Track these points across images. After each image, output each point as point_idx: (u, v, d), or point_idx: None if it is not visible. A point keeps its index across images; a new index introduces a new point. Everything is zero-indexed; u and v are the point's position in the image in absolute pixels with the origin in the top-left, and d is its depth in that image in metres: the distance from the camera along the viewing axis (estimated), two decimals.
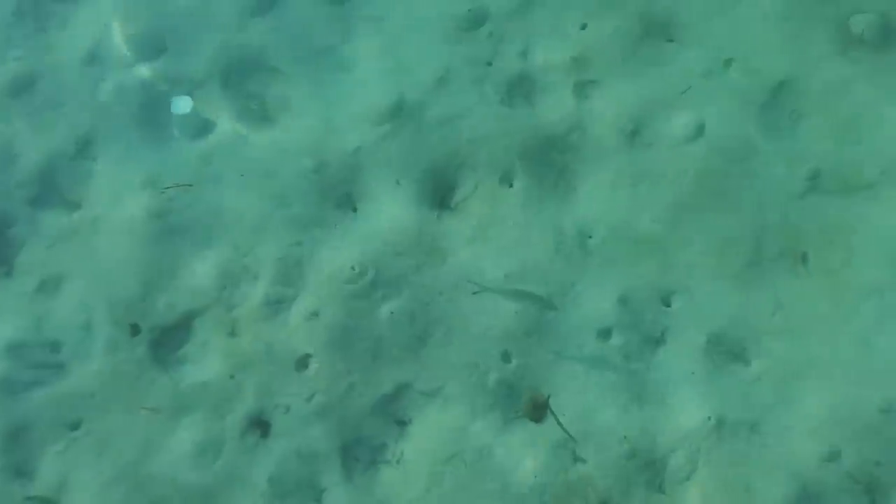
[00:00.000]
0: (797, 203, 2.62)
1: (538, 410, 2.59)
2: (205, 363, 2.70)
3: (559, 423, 2.56)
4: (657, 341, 2.60)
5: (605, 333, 2.62)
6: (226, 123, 2.91)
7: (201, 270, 2.78)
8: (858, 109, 2.64)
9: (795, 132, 2.66)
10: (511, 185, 2.74)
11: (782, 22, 2.72)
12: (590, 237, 2.68)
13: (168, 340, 2.74)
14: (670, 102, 2.74)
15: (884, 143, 2.61)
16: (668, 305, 2.61)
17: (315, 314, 2.70)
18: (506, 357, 2.63)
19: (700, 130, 2.71)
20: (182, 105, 2.89)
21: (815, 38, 2.70)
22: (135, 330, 2.74)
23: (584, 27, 2.79)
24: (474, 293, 2.60)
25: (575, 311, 2.64)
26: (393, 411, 2.63)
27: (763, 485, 2.47)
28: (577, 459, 2.55)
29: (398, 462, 2.59)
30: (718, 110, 2.71)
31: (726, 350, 2.56)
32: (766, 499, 2.46)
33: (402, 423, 2.62)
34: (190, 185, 2.81)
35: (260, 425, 2.66)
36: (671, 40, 2.76)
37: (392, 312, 2.67)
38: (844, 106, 2.65)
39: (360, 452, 2.61)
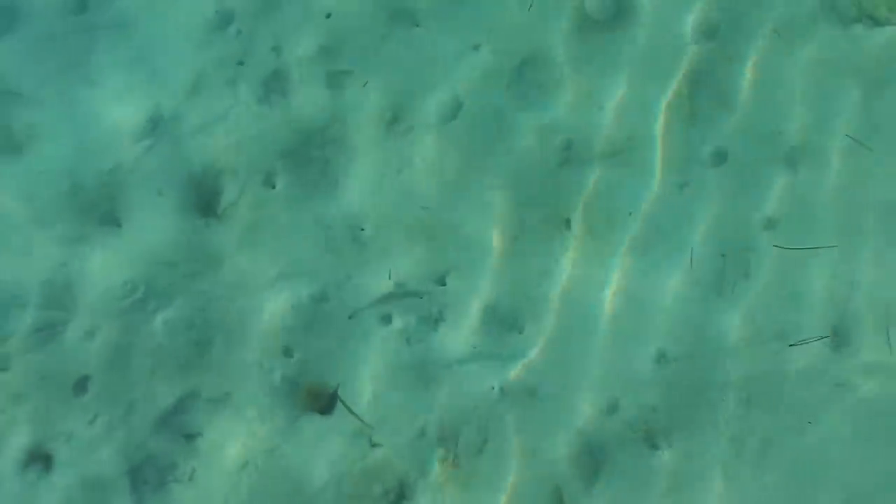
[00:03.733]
0: (554, 172, 2.72)
1: (324, 402, 2.59)
2: None
3: (351, 412, 2.57)
4: (436, 320, 2.65)
5: (385, 319, 2.67)
6: None
7: None
8: (598, 82, 2.76)
9: (545, 106, 2.77)
10: (274, 187, 2.72)
11: (522, 5, 2.80)
12: (362, 229, 2.69)
13: None
14: (425, 86, 2.80)
15: (624, 111, 2.73)
16: (444, 285, 2.65)
17: (90, 334, 2.61)
18: (288, 352, 2.63)
19: (457, 111, 2.77)
20: None
21: (554, 19, 2.80)
22: None
23: (328, 16, 2.80)
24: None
25: (354, 302, 2.65)
26: (180, 425, 2.59)
27: (549, 445, 2.58)
28: (373, 445, 2.57)
29: (190, 479, 2.54)
30: (473, 91, 2.80)
31: (501, 321, 2.64)
32: (552, 458, 2.58)
33: (191, 437, 2.58)
34: None
35: (41, 458, 2.55)
36: (418, 25, 2.80)
37: (167, 322, 2.63)
38: (585, 79, 2.76)
39: (148, 474, 2.55)
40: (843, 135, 2.68)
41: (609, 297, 2.64)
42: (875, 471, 2.49)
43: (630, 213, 2.68)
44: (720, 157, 2.70)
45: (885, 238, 2.60)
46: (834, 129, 2.69)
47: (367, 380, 2.62)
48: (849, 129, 2.68)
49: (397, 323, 2.66)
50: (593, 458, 2.55)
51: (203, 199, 2.72)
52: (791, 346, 2.55)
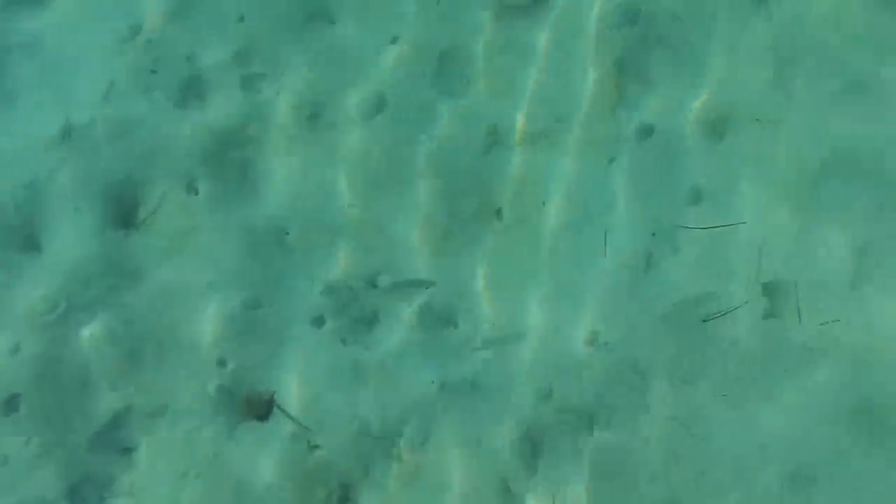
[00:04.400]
0: (482, 161, 2.72)
1: (262, 408, 2.57)
2: None
3: (288, 416, 2.55)
4: (370, 321, 2.64)
5: (318, 321, 2.65)
6: None
7: None
8: (519, 67, 2.75)
9: (468, 95, 2.76)
10: (197, 193, 2.69)
11: None
12: (287, 233, 2.66)
13: None
14: (345, 82, 2.78)
15: (548, 94, 2.74)
16: (375, 286, 2.63)
17: (15, 350, 2.57)
18: (222, 363, 2.61)
19: (380, 106, 2.75)
20: None
21: (470, 7, 2.79)
22: None
23: (241, 20, 2.78)
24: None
25: (285, 306, 2.63)
26: (117, 440, 2.56)
27: (491, 435, 2.58)
28: (312, 448, 2.56)
29: (129, 494, 2.51)
30: (393, 85, 2.78)
31: (437, 317, 2.63)
32: (495, 448, 2.56)
33: (128, 451, 2.56)
34: None
35: None
36: (334, 23, 2.78)
37: (92, 336, 2.64)
38: (507, 65, 2.78)
39: (86, 492, 2.51)
40: (758, 107, 2.69)
41: (540, 283, 2.63)
42: (817, 442, 2.49)
43: (557, 196, 2.67)
44: (645, 133, 2.70)
45: (802, 210, 2.61)
46: (750, 102, 2.70)
47: (303, 383, 2.61)
48: (764, 101, 2.69)
49: (329, 325, 2.65)
50: (534, 445, 2.55)
51: (122, 210, 2.70)
52: (714, 318, 2.55)
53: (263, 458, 2.55)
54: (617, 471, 2.51)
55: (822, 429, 2.46)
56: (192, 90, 2.78)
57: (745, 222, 2.59)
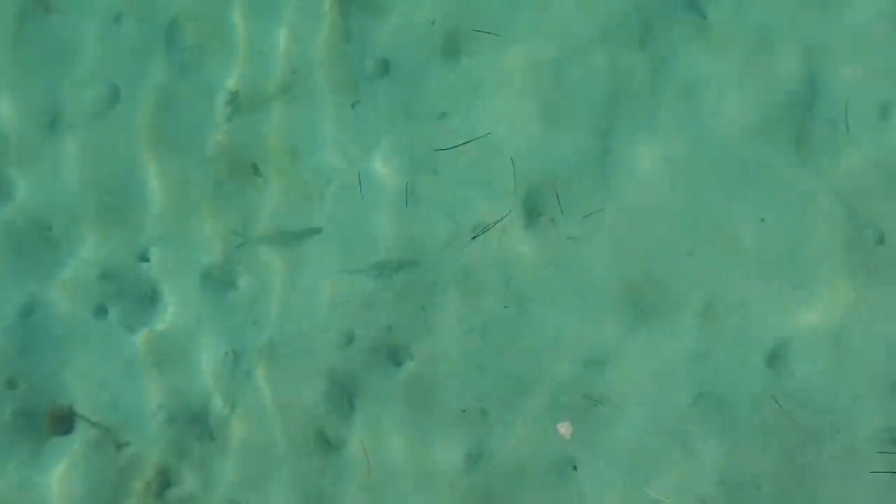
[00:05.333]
0: (230, 126, 2.69)
1: (63, 422, 2.52)
2: None
3: (89, 421, 2.52)
4: (152, 299, 2.62)
5: (101, 312, 2.64)
6: None
7: None
8: (252, 27, 2.73)
9: (202, 65, 2.71)
10: None
11: None
12: (50, 229, 2.61)
13: None
14: (75, 80, 2.70)
15: (283, 48, 2.72)
16: (148, 260, 2.59)
17: None
18: (12, 384, 2.56)
19: (115, 98, 2.70)
20: None
21: None
22: None
23: None
24: None
25: (59, 306, 2.61)
26: None
27: (300, 394, 2.62)
28: (120, 447, 2.53)
29: None
30: (124, 70, 2.72)
31: (219, 280, 2.63)
32: (307, 406, 2.61)
33: None
34: None
35: None
36: (51, 11, 2.66)
37: None
38: (240, 27, 2.72)
39: None
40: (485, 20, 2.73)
41: (314, 226, 2.65)
42: (601, 326, 2.60)
43: (310, 146, 2.68)
44: (383, 68, 2.71)
45: (546, 109, 2.70)
46: (477, 17, 2.73)
47: (99, 384, 2.58)
48: (490, 13, 2.72)
49: (113, 314, 2.61)
50: (345, 392, 2.59)
51: None
52: (482, 233, 2.63)
53: (73, 469, 2.54)
54: (428, 396, 2.59)
55: (603, 314, 2.60)
56: None
57: (489, 133, 2.65)
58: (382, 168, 2.66)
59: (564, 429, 2.56)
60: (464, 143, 2.65)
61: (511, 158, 2.64)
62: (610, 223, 2.61)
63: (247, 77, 2.70)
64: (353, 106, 2.68)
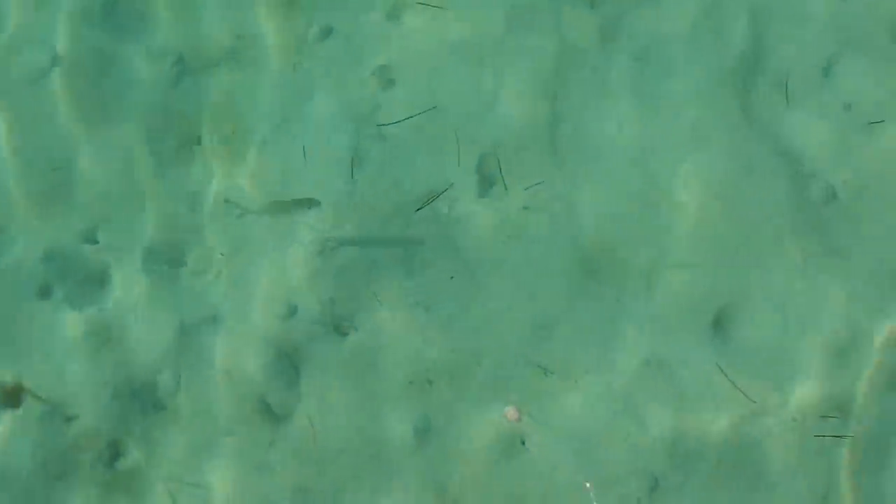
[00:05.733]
0: (174, 92, 2.66)
1: (11, 397, 2.56)
2: None
3: (38, 397, 2.54)
4: (100, 280, 2.63)
5: (45, 292, 2.62)
6: None
7: None
8: None
9: (146, 29, 2.68)
10: None
11: None
12: None
13: None
14: (9, 45, 2.67)
15: (226, 12, 2.68)
16: (97, 242, 2.59)
17: None
18: None
19: (54, 61, 2.63)
20: None
21: None
22: None
23: None
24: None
25: (13, 285, 2.62)
26: None
27: (245, 367, 2.62)
28: (69, 419, 2.56)
29: None
30: (66, 35, 2.69)
31: (164, 259, 2.63)
32: (253, 377, 2.60)
33: None
34: None
35: None
36: None
37: None
38: None
39: None
40: None
41: (254, 199, 2.63)
42: (550, 293, 2.57)
43: (252, 112, 2.65)
44: (326, 32, 2.66)
45: (493, 73, 2.63)
46: None
47: (46, 361, 2.60)
48: None
49: (58, 293, 2.62)
50: (290, 363, 2.58)
51: None
52: (424, 206, 2.60)
53: (20, 444, 2.56)
54: (372, 367, 2.58)
55: (552, 283, 2.56)
56: None
57: (435, 106, 2.60)
58: (327, 136, 2.62)
59: (511, 413, 2.54)
60: (408, 118, 2.60)
61: (457, 128, 2.59)
62: (560, 190, 2.56)
63: (190, 43, 2.67)
64: (294, 69, 2.64)
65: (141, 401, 2.59)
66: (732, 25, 2.54)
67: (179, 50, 2.67)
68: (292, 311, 2.60)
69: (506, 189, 2.57)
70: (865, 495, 2.42)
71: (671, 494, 2.46)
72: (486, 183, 2.59)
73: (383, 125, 2.60)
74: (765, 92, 2.53)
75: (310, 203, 2.61)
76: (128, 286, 2.62)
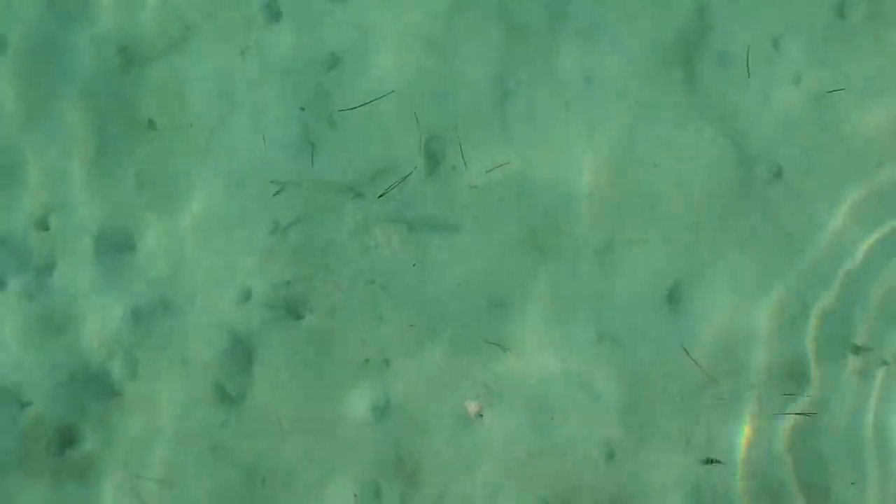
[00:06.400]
0: (122, 79, 2.66)
1: None
2: None
3: None
4: (50, 267, 2.64)
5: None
6: None
7: None
8: None
9: (88, 17, 2.66)
10: None
11: None
12: None
13: None
14: None
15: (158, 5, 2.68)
16: (47, 229, 2.58)
17: None
18: None
19: (3, 48, 2.61)
20: None
21: None
22: None
23: None
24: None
25: None
26: None
27: (197, 349, 2.60)
28: (24, 405, 2.55)
29: None
30: (10, 21, 2.69)
31: (114, 244, 2.62)
32: (203, 361, 2.61)
33: None
34: None
35: None
36: None
37: None
38: None
39: None
40: None
41: (206, 186, 2.63)
42: (505, 271, 2.59)
43: (200, 96, 2.64)
44: (275, 15, 2.66)
45: (441, 63, 2.65)
46: None
47: (0, 347, 2.61)
48: None
49: (13, 285, 2.61)
50: (245, 348, 2.59)
51: None
52: (384, 194, 2.61)
53: None
54: (330, 348, 2.59)
55: (506, 259, 2.58)
56: None
57: (393, 91, 2.61)
58: (280, 121, 2.63)
59: (472, 407, 2.56)
60: (362, 105, 2.61)
61: (412, 110, 2.60)
62: (511, 169, 2.57)
63: (135, 30, 2.67)
64: (242, 54, 2.65)
65: (95, 386, 2.59)
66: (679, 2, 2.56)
67: (125, 38, 2.67)
68: (247, 295, 2.60)
69: (454, 168, 2.58)
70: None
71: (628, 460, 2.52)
72: (439, 163, 2.59)
73: (342, 110, 2.63)
74: (709, 70, 2.54)
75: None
76: (79, 272, 2.62)
